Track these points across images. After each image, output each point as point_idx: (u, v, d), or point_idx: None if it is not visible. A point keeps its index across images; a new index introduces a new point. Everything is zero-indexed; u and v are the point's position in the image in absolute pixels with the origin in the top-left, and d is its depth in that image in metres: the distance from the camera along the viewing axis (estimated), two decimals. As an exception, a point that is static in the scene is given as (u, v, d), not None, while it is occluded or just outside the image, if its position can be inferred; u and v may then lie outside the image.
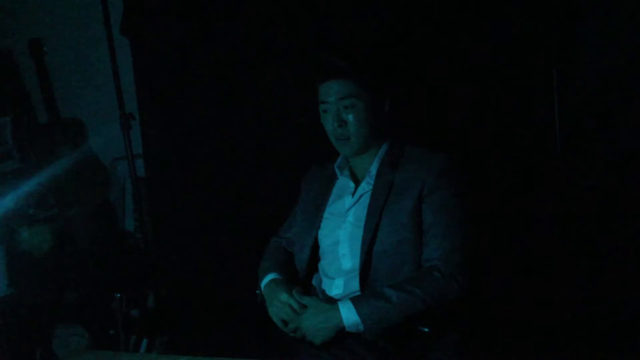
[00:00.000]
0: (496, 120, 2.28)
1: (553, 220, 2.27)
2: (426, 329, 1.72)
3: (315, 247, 1.92)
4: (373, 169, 1.86)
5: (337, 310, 1.70)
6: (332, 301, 1.76)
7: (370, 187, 1.84)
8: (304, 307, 1.78)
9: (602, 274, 2.24)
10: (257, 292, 1.96)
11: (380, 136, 1.88)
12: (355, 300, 1.70)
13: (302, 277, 1.92)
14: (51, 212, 2.83)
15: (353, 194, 1.88)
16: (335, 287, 1.83)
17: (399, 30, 2.33)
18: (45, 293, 2.75)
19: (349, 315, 1.68)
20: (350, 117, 1.82)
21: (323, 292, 1.87)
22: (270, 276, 1.90)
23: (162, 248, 2.79)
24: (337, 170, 1.94)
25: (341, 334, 1.71)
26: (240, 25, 2.54)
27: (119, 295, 2.60)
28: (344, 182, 1.92)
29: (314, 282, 1.92)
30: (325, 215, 1.92)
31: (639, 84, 2.19)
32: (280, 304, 1.80)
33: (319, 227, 1.91)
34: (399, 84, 1.97)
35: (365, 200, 1.83)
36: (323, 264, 1.90)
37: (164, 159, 2.77)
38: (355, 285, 1.78)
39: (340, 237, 1.85)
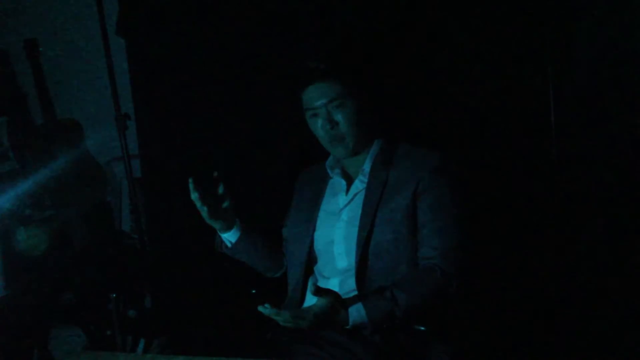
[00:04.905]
0: (492, 118, 2.27)
1: (550, 220, 2.27)
2: (422, 328, 1.71)
3: (312, 248, 1.90)
4: (366, 167, 1.85)
5: (347, 313, 1.65)
6: (342, 301, 1.70)
7: (364, 185, 1.83)
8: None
9: (601, 274, 2.24)
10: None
11: (371, 134, 1.87)
12: (366, 303, 1.66)
13: (298, 278, 1.90)
14: (48, 213, 2.83)
15: (347, 193, 1.87)
16: (331, 287, 1.81)
17: (390, 26, 2.32)
18: (41, 294, 2.74)
19: (357, 317, 1.65)
20: (341, 117, 1.80)
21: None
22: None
23: (159, 248, 2.78)
24: (328, 170, 1.93)
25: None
26: (237, 25, 2.53)
27: (115, 295, 2.59)
28: (336, 180, 1.92)
29: (309, 283, 1.90)
30: (320, 214, 1.91)
31: (636, 83, 2.19)
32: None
33: (315, 227, 1.90)
34: (386, 80, 1.95)
35: (360, 198, 1.82)
36: (318, 264, 1.89)
37: (160, 160, 2.76)
38: (351, 284, 1.77)
39: (336, 236, 1.83)
